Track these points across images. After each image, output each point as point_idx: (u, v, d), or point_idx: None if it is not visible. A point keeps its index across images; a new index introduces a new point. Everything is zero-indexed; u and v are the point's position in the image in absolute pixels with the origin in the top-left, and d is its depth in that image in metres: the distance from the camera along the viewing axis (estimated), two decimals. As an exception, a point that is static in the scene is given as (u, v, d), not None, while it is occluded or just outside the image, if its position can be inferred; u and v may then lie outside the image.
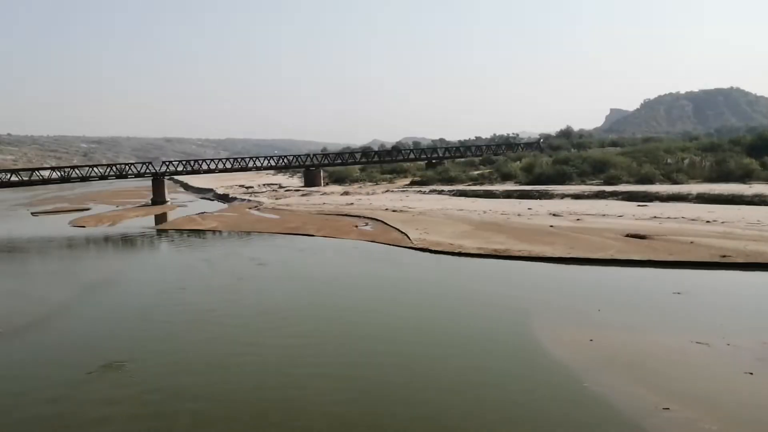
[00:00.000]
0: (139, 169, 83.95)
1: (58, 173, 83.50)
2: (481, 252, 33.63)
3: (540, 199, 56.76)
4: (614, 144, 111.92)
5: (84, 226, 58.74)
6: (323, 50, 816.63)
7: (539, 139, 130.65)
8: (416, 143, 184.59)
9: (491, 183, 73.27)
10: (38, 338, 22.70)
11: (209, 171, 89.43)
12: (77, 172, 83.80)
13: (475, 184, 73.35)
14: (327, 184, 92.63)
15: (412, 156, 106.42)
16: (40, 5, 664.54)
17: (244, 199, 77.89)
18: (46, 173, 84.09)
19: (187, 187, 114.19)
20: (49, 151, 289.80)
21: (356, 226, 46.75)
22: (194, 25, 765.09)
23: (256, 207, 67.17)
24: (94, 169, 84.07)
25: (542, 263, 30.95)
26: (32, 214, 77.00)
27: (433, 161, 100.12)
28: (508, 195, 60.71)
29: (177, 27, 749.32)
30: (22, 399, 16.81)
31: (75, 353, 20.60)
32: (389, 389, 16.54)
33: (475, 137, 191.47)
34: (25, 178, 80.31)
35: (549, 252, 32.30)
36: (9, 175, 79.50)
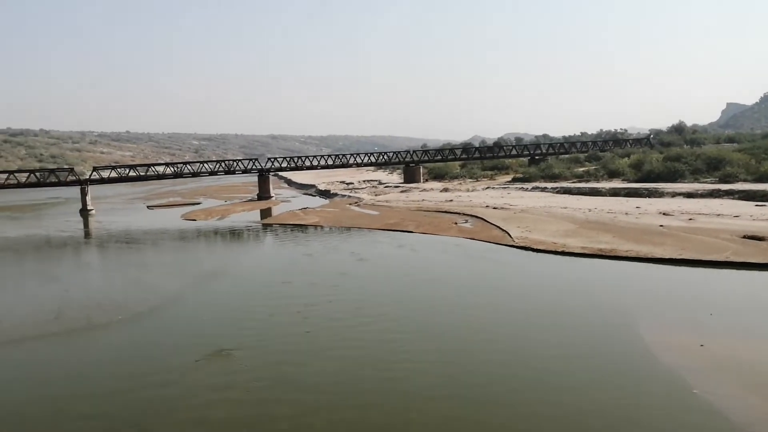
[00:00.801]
0: (246, 166, 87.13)
1: (172, 169, 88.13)
2: (586, 251, 32.63)
3: (649, 197, 54.41)
4: (731, 140, 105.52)
5: (195, 220, 61.68)
6: (424, 44, 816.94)
7: (649, 135, 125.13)
8: (518, 139, 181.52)
9: (597, 180, 70.88)
10: (153, 325, 24.07)
11: (311, 167, 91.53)
12: (189, 167, 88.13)
13: (579, 182, 71.18)
14: (426, 180, 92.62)
15: (513, 152, 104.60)
16: (150, 10, 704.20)
17: (345, 195, 79.19)
18: (160, 169, 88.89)
19: (290, 183, 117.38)
20: (163, 147, 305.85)
21: (456, 223, 46.50)
22: (298, 26, 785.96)
23: (356, 203, 68.14)
24: (205, 165, 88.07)
25: (651, 264, 29.67)
26: (148, 207, 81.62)
27: (536, 157, 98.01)
28: (614, 193, 58.58)
29: (282, 28, 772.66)
30: (137, 382, 17.86)
31: (186, 340, 21.69)
32: (489, 388, 16.36)
33: (581, 133, 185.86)
34: (141, 174, 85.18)
35: (658, 253, 30.90)
36: (128, 171, 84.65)
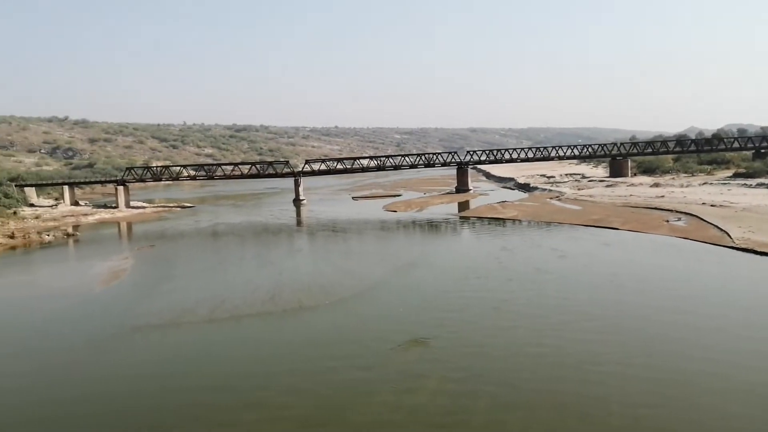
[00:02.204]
0: (445, 159, 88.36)
1: (375, 162, 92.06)
2: (824, 256, 28.78)
3: None
4: None
5: (395, 211, 63.78)
6: (641, 26, 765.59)
7: None
8: (741, 131, 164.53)
9: (839, 176, 62.18)
10: (356, 310, 25.28)
11: (511, 160, 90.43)
12: (391, 161, 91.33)
13: (816, 178, 62.92)
14: (635, 174, 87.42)
15: (735, 145, 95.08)
16: (354, 20, 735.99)
17: (545, 189, 77.24)
18: (364, 162, 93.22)
19: (488, 176, 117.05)
20: (367, 141, 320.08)
21: (667, 221, 43.32)
22: (498, 22, 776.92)
23: (556, 197, 66.17)
24: (406, 158, 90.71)
25: None
26: (353, 198, 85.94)
27: (762, 151, 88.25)
28: None
29: (480, 23, 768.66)
30: (340, 362, 18.88)
31: (385, 326, 22.48)
32: (700, 398, 15.04)
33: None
34: (347, 166, 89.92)
35: None
36: (335, 164, 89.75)
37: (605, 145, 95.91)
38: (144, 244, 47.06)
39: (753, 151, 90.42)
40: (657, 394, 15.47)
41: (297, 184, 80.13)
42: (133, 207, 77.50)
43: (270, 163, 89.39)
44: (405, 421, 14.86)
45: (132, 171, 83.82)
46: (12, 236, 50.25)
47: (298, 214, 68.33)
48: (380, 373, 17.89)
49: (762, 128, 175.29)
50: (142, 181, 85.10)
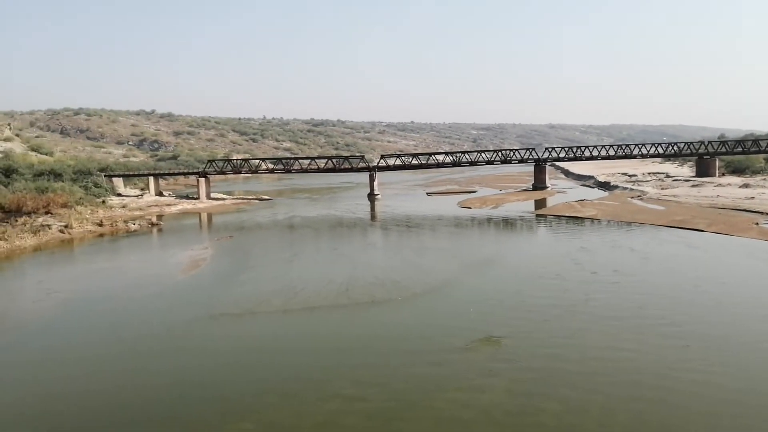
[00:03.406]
0: (522, 155, 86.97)
1: (451, 158, 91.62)
2: None
3: None
4: None
5: (470, 207, 63.29)
6: (726, 20, 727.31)
7: None
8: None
9: None
10: (429, 306, 25.28)
11: (591, 158, 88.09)
12: (467, 157, 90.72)
13: None
14: (723, 174, 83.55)
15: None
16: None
17: (626, 188, 74.91)
18: (440, 157, 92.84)
19: (567, 174, 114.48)
20: (444, 137, 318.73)
21: (757, 224, 41.24)
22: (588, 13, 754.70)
23: (638, 196, 64.07)
24: (482, 154, 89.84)
25: None
26: (427, 194, 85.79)
27: None
28: None
29: (568, 15, 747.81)
30: (412, 358, 18.95)
31: (458, 323, 22.35)
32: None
33: None
34: (423, 162, 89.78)
35: None
36: (410, 159, 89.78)
37: (691, 143, 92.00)
38: (223, 235, 48.48)
39: None
40: (740, 404, 14.77)
41: (372, 179, 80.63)
42: (214, 198, 79.92)
43: (346, 158, 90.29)
44: (476, 419, 14.76)
45: (213, 163, 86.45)
46: (100, 224, 52.84)
47: (373, 208, 68.77)
48: (452, 370, 17.82)
49: None
50: (223, 173, 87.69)
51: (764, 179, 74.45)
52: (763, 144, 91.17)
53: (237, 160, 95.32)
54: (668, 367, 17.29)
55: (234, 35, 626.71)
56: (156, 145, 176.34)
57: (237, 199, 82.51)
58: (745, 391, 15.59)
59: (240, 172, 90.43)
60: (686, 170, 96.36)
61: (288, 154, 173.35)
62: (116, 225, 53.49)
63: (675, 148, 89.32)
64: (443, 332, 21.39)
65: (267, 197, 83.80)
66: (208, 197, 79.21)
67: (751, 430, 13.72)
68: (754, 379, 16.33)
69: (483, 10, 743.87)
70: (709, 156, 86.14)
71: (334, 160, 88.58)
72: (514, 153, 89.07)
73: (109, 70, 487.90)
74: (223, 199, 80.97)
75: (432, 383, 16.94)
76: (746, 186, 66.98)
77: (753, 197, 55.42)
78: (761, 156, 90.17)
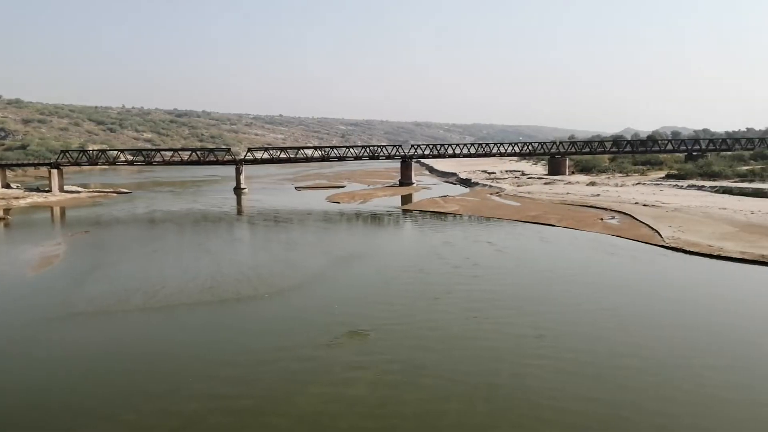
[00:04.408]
0: (389, 152, 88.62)
1: (319, 152, 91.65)
2: (746, 257, 30.19)
3: (824, 201, 49.18)
4: None
5: (338, 202, 63.69)
6: (573, 35, 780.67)
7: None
8: (675, 133, 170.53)
9: (763, 180, 65.22)
10: (296, 301, 25.16)
11: (454, 155, 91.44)
12: (335, 152, 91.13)
13: (742, 181, 65.83)
14: (572, 173, 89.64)
15: (669, 147, 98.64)
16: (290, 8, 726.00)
17: (486, 185, 78.46)
18: (309, 152, 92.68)
19: (432, 170, 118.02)
20: (312, 131, 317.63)
21: (601, 219, 44.66)
22: (444, 14, 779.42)
23: (497, 193, 67.30)
24: (350, 150, 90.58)
25: (823, 276, 26.93)
26: (296, 188, 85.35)
27: (694, 153, 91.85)
28: (783, 195, 53.48)
29: (427, 15, 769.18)
30: (280, 354, 18.82)
31: (325, 318, 22.45)
32: (624, 393, 15.60)
33: (746, 128, 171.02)
34: (291, 156, 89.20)
35: (833, 263, 27.97)
36: (279, 152, 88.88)
37: (545, 143, 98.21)
38: (78, 230, 45.65)
39: (685, 153, 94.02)
40: (590, 389, 16.01)
41: (238, 173, 79.04)
42: (68, 191, 75.00)
43: (211, 150, 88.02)
44: (342, 412, 14.94)
45: (67, 154, 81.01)
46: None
47: (239, 202, 67.45)
48: (318, 364, 17.90)
49: (695, 132, 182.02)
50: (78, 164, 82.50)
51: (608, 178, 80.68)
52: (608, 145, 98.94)
53: (93, 150, 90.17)
54: (524, 355, 18.36)
55: (88, 13, 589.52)
56: (2, 134, 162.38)
57: (93, 192, 77.91)
58: (594, 377, 16.87)
59: (97, 164, 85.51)
60: (540, 168, 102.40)
61: (149, 146, 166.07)
62: (-48, 219, 48.86)
63: (530, 147, 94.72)
64: (310, 327, 21.41)
65: (126, 190, 79.87)
66: (62, 190, 74.19)
67: (596, 415, 14.84)
68: (600, 365, 17.69)
69: (349, 7, 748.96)
70: (561, 155, 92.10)
71: (198, 153, 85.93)
72: (381, 149, 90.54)
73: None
74: (78, 192, 76.14)
75: (299, 379, 16.94)
76: (593, 184, 72.28)
77: (599, 194, 59.92)
78: (606, 156, 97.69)
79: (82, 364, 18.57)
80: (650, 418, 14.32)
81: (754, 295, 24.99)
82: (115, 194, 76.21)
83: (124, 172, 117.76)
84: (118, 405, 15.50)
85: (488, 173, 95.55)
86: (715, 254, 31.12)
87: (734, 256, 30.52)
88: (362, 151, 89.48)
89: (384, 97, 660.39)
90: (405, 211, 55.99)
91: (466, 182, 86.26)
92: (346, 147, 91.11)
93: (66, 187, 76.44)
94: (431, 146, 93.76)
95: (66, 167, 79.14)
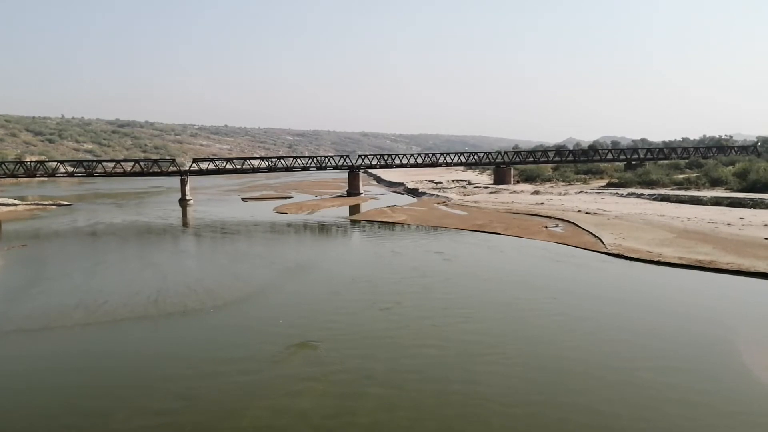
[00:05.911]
0: (337, 162, 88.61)
1: (266, 163, 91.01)
2: (683, 262, 31.23)
3: (754, 208, 51.36)
4: None
5: (286, 213, 63.26)
6: (516, 46, 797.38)
7: (756, 143, 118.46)
8: (615, 143, 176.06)
9: (698, 188, 67.76)
10: (244, 314, 24.84)
11: (401, 165, 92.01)
12: (282, 162, 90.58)
13: (679, 189, 68.24)
14: (517, 182, 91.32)
15: (609, 156, 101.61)
16: (243, 9, 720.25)
17: (433, 194, 79.15)
18: (255, 162, 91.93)
19: (379, 180, 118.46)
20: (259, 142, 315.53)
21: (546, 227, 45.58)
22: (391, 27, 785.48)
23: (444, 202, 67.95)
24: (297, 160, 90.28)
25: (754, 279, 28.05)
26: (242, 199, 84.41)
27: (633, 162, 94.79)
28: (716, 202, 55.64)
29: (375, 29, 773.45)
30: (226, 367, 18.52)
31: (274, 330, 22.24)
32: (572, 396, 15.93)
33: (682, 138, 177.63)
34: (237, 166, 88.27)
35: (762, 267, 29.17)
36: (225, 163, 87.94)
37: (490, 153, 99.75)
38: (14, 244, 44.05)
39: (625, 162, 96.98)
40: (534, 393, 16.28)
41: (183, 184, 77.71)
42: (3, 204, 72.33)
43: (155, 161, 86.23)
44: (291, 425, 14.80)
45: (2, 165, 78.15)
46: None
47: (184, 214, 66.25)
48: (267, 377, 17.70)
49: (633, 141, 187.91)
50: (14, 176, 79.57)
51: (552, 187, 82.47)
52: (551, 154, 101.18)
53: (31, 162, 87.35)
54: (472, 362, 18.55)
55: (21, 19, 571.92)
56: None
57: (31, 204, 75.41)
58: (538, 382, 17.15)
59: (35, 176, 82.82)
60: (485, 178, 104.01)
61: (90, 156, 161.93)
62: None
63: (476, 157, 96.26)
64: (258, 339, 21.18)
65: (66, 203, 77.57)
66: (-4, 203, 71.62)
67: (543, 416, 15.11)
68: (546, 369, 18.01)
69: (295, 16, 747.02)
70: (505, 165, 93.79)
71: (141, 164, 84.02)
72: (329, 159, 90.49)
73: None
74: (15, 204, 73.50)
75: (246, 392, 16.70)
76: (537, 193, 73.74)
77: (542, 203, 61.14)
78: (549, 165, 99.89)
79: (16, 383, 17.89)
80: (597, 419, 14.64)
81: (691, 298, 25.79)
82: (54, 207, 73.94)
83: (64, 184, 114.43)
84: (54, 425, 15.00)
85: (435, 183, 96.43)
86: (654, 260, 32.09)
87: (672, 261, 31.53)
88: (309, 162, 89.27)
89: (331, 106, 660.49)
90: (353, 222, 55.98)
91: (413, 192, 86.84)
92: (294, 157, 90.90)
93: (1, 200, 73.86)
94: (379, 156, 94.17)
95: (2, 179, 76.42)
